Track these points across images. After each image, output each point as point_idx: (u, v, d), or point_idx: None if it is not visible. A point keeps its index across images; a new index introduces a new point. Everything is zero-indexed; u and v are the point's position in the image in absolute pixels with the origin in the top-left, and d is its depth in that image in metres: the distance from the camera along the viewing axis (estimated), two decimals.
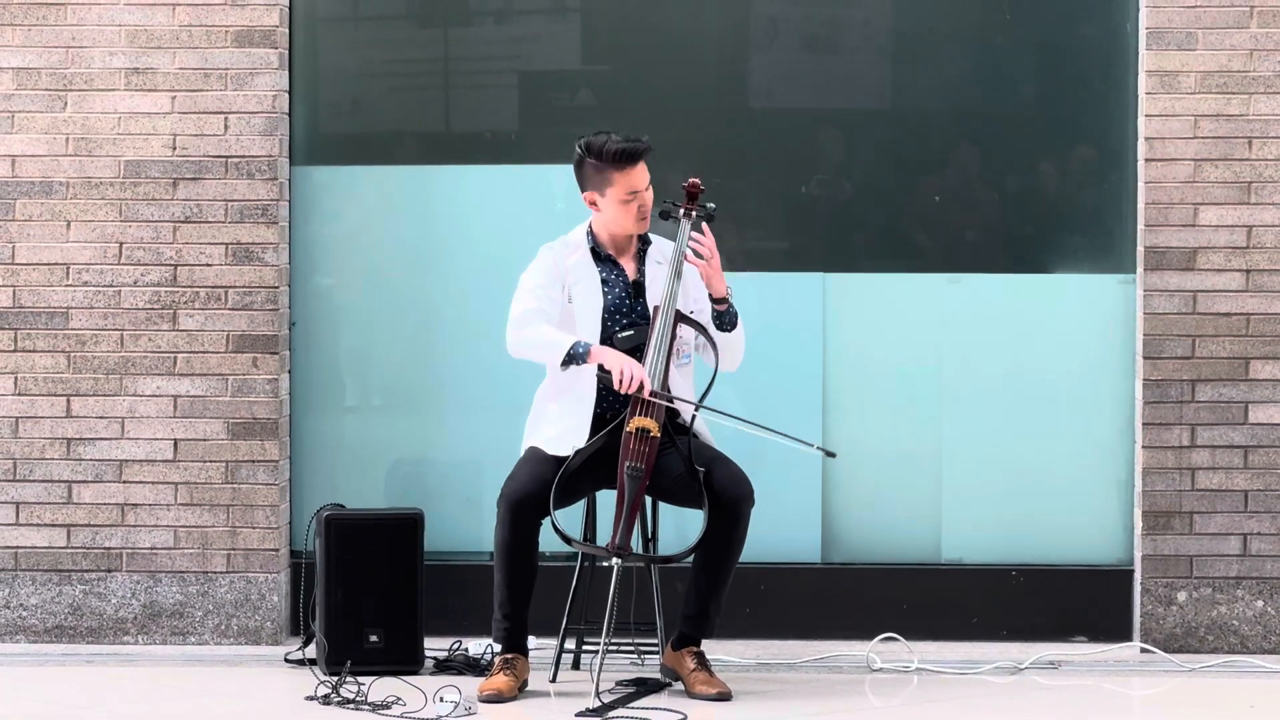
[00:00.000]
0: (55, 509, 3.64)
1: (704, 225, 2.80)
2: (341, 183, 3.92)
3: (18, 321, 3.56)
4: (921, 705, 2.96)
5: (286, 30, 3.67)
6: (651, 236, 2.89)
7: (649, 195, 2.71)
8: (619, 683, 2.78)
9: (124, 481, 3.68)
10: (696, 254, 2.66)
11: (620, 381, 2.49)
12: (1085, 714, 2.92)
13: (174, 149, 3.53)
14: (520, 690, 2.70)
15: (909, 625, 3.40)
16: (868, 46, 4.01)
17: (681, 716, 2.47)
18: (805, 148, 4.02)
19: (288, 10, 3.68)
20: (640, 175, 2.65)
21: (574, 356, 2.56)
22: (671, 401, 2.66)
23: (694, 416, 2.82)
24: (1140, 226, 3.56)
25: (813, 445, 3.02)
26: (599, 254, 2.81)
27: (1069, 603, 3.70)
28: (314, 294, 3.92)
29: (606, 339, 2.75)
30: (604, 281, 2.81)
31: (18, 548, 3.63)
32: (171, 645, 3.71)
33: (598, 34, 4.07)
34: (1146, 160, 3.53)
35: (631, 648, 3.03)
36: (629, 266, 2.85)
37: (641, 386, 2.54)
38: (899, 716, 2.89)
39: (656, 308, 2.72)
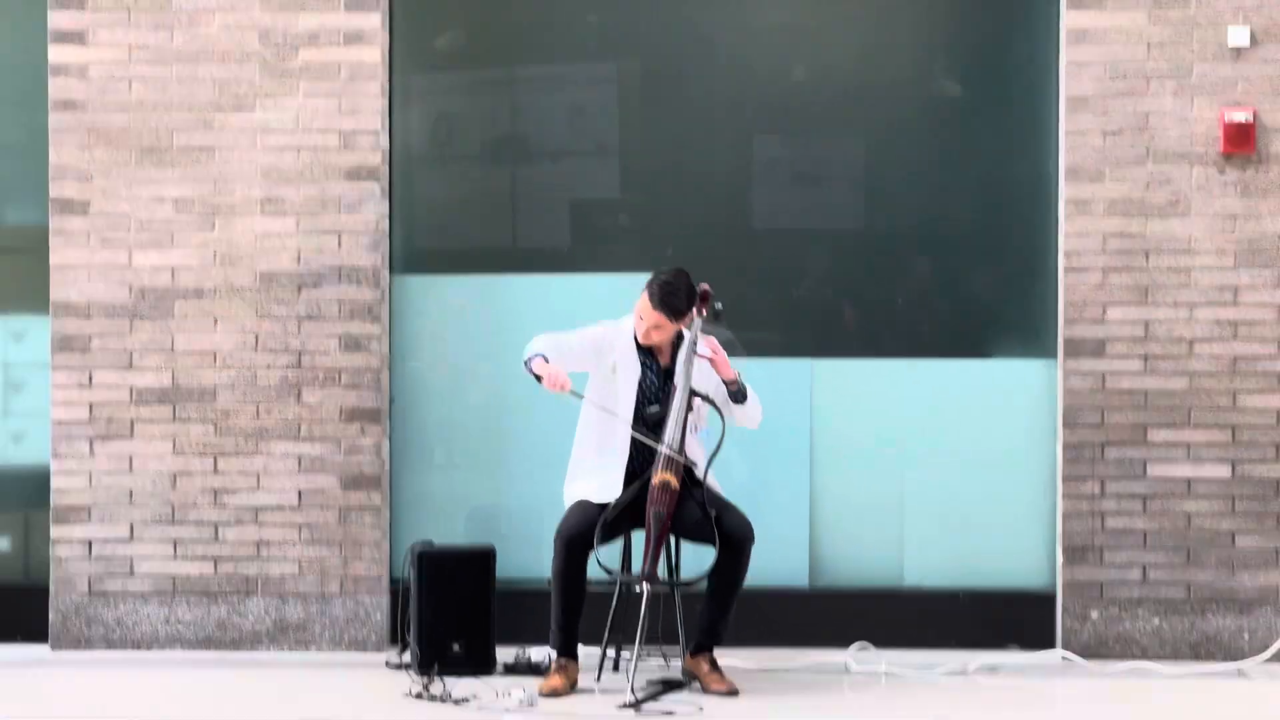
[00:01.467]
0: (205, 545, 4.14)
1: (709, 330, 3.34)
2: (431, 287, 4.50)
3: (176, 397, 4.09)
4: (889, 701, 3.45)
5: (387, 168, 4.22)
6: (684, 331, 3.28)
7: (656, 335, 3.18)
8: (649, 681, 3.12)
9: (259, 523, 4.17)
10: (700, 353, 3.18)
11: (547, 382, 3.04)
12: (1019, 707, 3.46)
13: (299, 261, 4.09)
14: (572, 688, 3.12)
15: (878, 636, 3.84)
16: (845, 180, 4.60)
17: (699, 708, 2.91)
18: (796, 260, 4.58)
19: (388, 152, 4.20)
20: (656, 316, 3.11)
21: (529, 360, 3.09)
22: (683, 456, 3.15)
23: (706, 472, 3.26)
24: (1060, 322, 4.05)
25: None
26: (638, 343, 3.29)
27: (1005, 618, 4.19)
28: (409, 376, 4.47)
29: (639, 410, 3.26)
30: (643, 364, 3.29)
31: (175, 575, 4.13)
32: (296, 653, 4.23)
33: (632, 171, 4.60)
34: (1065, 269, 4.04)
35: (659, 654, 3.46)
36: (665, 355, 3.33)
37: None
38: (872, 710, 3.35)
39: (675, 388, 3.23)
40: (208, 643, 4.18)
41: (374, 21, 4.33)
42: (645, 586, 3.13)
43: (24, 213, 4.90)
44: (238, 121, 4.28)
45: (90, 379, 4.32)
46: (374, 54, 4.31)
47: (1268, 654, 3.87)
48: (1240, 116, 3.96)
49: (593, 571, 3.12)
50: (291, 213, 4.23)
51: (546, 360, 3.09)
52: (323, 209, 4.19)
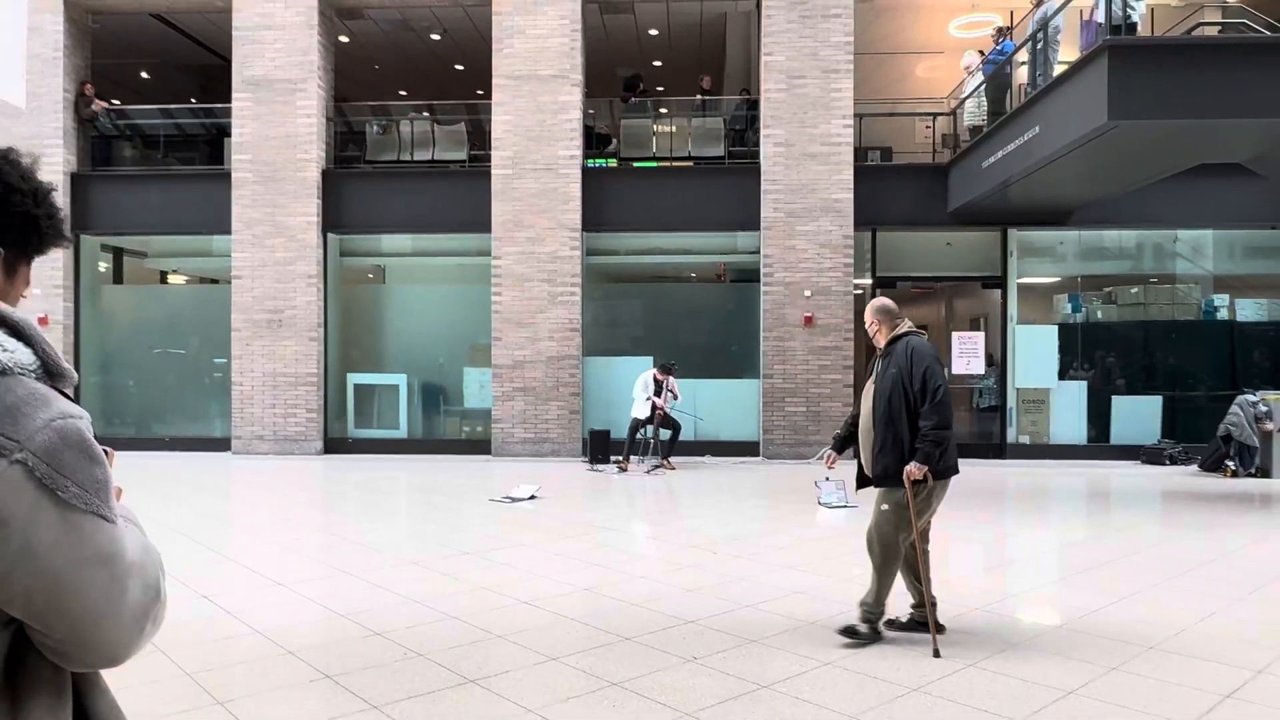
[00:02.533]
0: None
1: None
2: None
3: None
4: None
5: None
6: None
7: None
8: (652, 467, 10.92)
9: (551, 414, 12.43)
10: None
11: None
12: None
13: None
14: (626, 470, 11.45)
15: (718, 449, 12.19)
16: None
17: (669, 472, 11.25)
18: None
19: None
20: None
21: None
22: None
23: (665, 412, 11.49)
24: None
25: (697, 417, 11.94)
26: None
27: None
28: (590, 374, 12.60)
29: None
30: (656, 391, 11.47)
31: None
32: (542, 456, 12.30)
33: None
34: None
35: (655, 460, 11.39)
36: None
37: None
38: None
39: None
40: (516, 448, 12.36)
41: None
42: (653, 440, 11.38)
43: None
44: None
45: None
46: None
47: None
48: None
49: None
50: None
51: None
52: None
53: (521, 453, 11.95)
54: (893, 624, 4.33)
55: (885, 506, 4.24)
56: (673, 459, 11.12)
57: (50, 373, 0.94)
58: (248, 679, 3.71)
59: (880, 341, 4.40)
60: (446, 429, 12.86)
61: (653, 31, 14.24)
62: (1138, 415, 12.08)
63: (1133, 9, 7.73)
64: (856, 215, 11.83)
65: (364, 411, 12.75)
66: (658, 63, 15.41)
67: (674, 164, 12.64)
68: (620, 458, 11.04)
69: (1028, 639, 4.27)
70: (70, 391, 0.96)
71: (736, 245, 12.74)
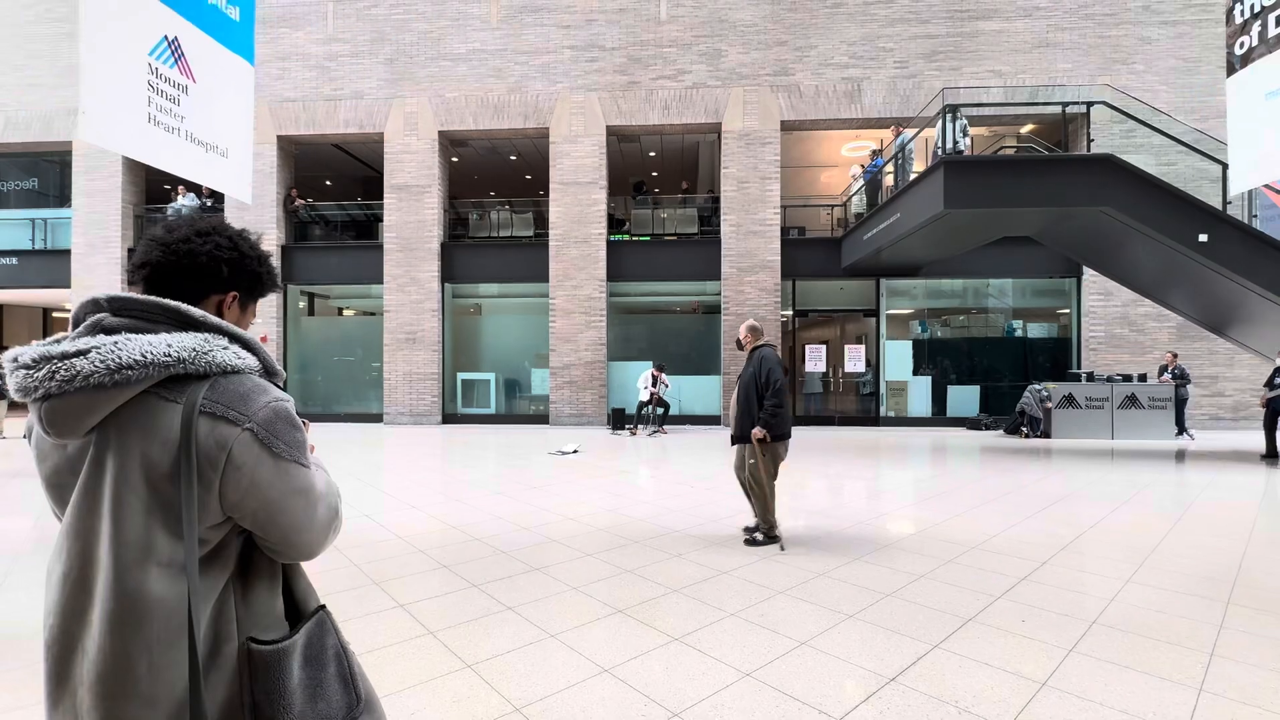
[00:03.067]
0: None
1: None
2: None
3: None
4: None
5: None
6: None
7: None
8: (651, 432, 11.47)
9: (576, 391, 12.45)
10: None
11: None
12: None
13: None
14: (635, 435, 11.44)
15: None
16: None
17: (663, 436, 11.21)
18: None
19: None
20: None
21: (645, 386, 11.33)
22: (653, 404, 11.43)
23: (660, 396, 11.57)
24: None
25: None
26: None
27: None
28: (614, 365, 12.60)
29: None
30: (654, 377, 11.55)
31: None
32: (581, 425, 12.40)
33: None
34: None
35: (653, 426, 11.61)
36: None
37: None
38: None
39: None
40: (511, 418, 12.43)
41: None
42: (652, 414, 11.40)
43: None
44: None
45: None
46: None
47: None
48: None
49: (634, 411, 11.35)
50: None
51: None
52: None
53: (568, 423, 11.91)
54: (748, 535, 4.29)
55: (751, 460, 4.22)
56: (665, 427, 11.07)
57: (268, 371, 0.97)
58: (393, 568, 3.74)
59: (748, 348, 4.42)
60: (520, 407, 12.86)
61: (652, 153, 14.25)
62: (964, 398, 12.02)
63: (960, 142, 7.75)
64: (783, 270, 11.80)
65: (467, 396, 12.76)
66: (655, 173, 15.41)
67: (665, 238, 12.64)
68: (631, 426, 10.99)
69: (893, 542, 4.28)
70: (280, 384, 0.99)
71: (705, 290, 12.71)
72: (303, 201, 13.00)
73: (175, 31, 3.79)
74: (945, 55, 11.59)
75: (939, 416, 11.91)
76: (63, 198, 13.16)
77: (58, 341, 0.81)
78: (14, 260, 13.01)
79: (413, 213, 12.24)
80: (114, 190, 12.54)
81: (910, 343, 12.22)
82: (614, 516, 4.96)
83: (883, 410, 11.98)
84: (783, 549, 4.04)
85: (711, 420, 11.98)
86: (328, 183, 15.37)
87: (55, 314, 17.37)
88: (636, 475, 6.96)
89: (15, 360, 0.80)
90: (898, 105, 11.54)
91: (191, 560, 0.82)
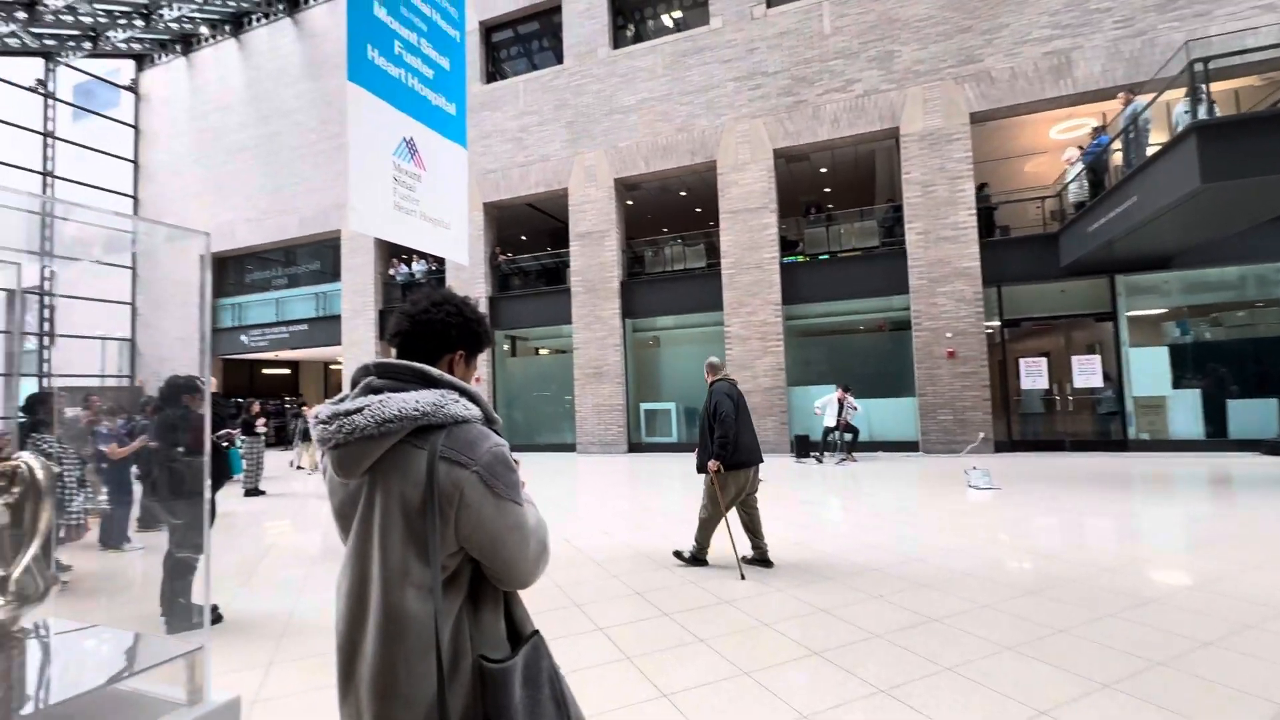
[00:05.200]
0: None
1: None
2: None
3: None
4: None
5: None
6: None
7: None
8: (839, 459, 10.78)
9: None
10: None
11: None
12: None
13: None
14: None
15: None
16: None
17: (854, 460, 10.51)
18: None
19: None
20: None
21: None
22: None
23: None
24: None
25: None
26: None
27: None
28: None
29: None
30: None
31: None
32: (768, 455, 12.03)
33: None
34: None
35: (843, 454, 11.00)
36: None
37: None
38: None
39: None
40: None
41: None
42: (839, 440, 10.77)
43: None
44: None
45: None
46: None
47: None
48: None
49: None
50: None
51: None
52: None
53: None
54: (752, 560, 4.33)
55: (704, 489, 4.36)
56: (855, 454, 10.39)
57: (487, 419, 1.11)
58: (590, 592, 3.97)
59: (709, 383, 4.50)
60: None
61: (823, 170, 13.78)
62: (1254, 415, 9.48)
63: (1208, 105, 6.34)
64: (984, 275, 10.52)
65: (650, 425, 13.18)
66: (827, 189, 14.84)
67: (842, 255, 12.04)
68: (817, 454, 10.49)
69: (1161, 596, 3.48)
70: (497, 429, 1.12)
71: (891, 305, 11.78)
72: (505, 257, 14.78)
73: (411, 133, 4.62)
74: (1186, 1, 9.62)
75: (1216, 438, 9.53)
76: (335, 274, 16.54)
77: (341, 401, 1.03)
78: (305, 326, 16.61)
79: (594, 256, 13.21)
80: (368, 265, 15.46)
81: (1166, 349, 10.02)
82: (801, 550, 4.75)
83: (1131, 432, 9.92)
84: (743, 577, 4.05)
85: (907, 446, 10.95)
86: (523, 238, 17.26)
87: (331, 366, 21.69)
88: (825, 506, 6.60)
89: (317, 417, 1.02)
90: (1123, 71, 9.79)
91: (437, 583, 0.97)
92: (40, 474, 0.70)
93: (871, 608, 3.43)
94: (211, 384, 4.21)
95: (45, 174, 16.63)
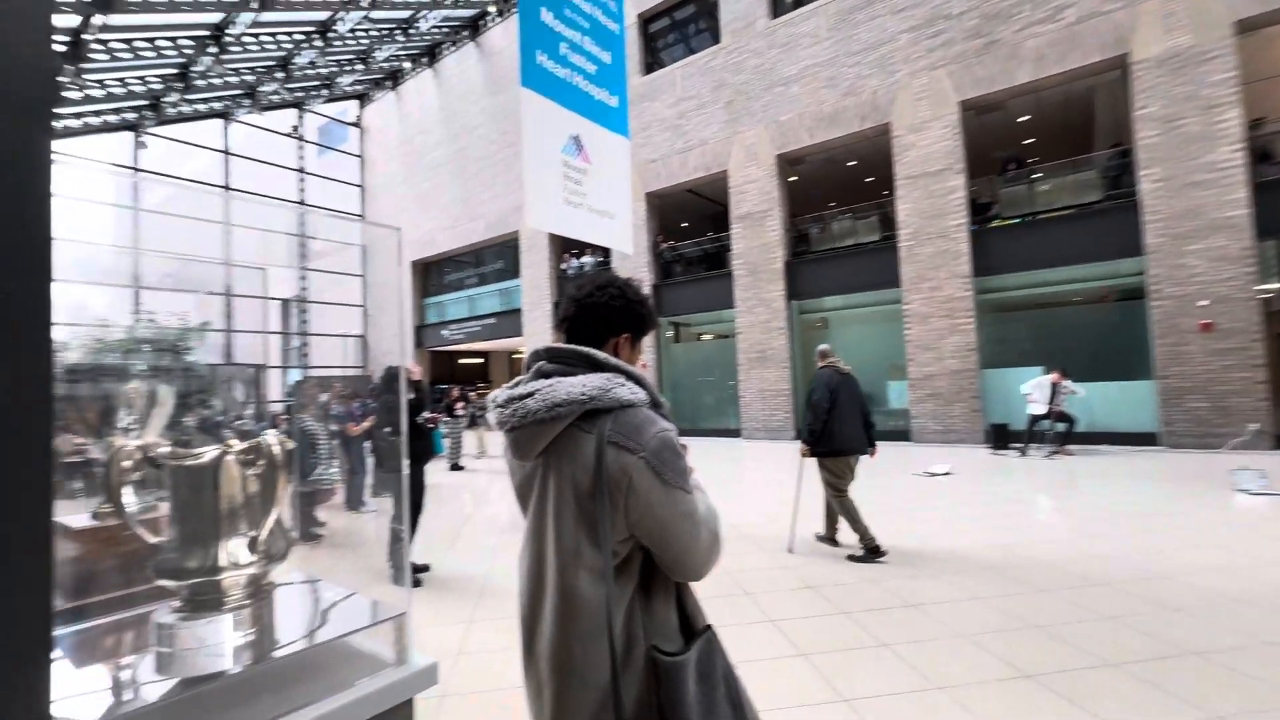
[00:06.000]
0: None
1: None
2: None
3: None
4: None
5: None
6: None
7: None
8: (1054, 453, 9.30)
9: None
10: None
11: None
12: None
13: None
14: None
15: None
16: None
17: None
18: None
19: None
20: None
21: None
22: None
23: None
24: None
25: None
26: None
27: None
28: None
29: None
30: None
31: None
32: (950, 443, 10.89)
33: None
34: None
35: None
36: None
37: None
38: None
39: None
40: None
41: None
42: (1050, 430, 9.33)
43: None
44: None
45: None
46: None
47: None
48: None
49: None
50: None
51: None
52: None
53: (934, 440, 10.66)
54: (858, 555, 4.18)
55: (821, 482, 4.42)
56: (1070, 446, 8.92)
57: (655, 403, 1.08)
58: (761, 581, 3.87)
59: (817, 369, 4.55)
60: (876, 423, 12.01)
61: (1023, 118, 11.92)
62: None
63: None
64: (1258, 227, 8.32)
65: None
66: (1030, 140, 12.82)
67: (1049, 215, 10.32)
68: (1020, 445, 9.19)
69: None
70: (663, 413, 1.09)
71: (1118, 271, 9.86)
72: (666, 244, 15.02)
73: (578, 129, 4.83)
74: None
75: None
76: (515, 271, 18.14)
77: (516, 385, 1.06)
78: (493, 320, 18.48)
79: (756, 237, 12.87)
80: (543, 261, 16.70)
81: None
82: (1004, 554, 4.17)
83: None
84: (790, 550, 4.21)
85: (1140, 439, 9.15)
86: (684, 224, 17.36)
87: (514, 355, 23.91)
88: (1033, 506, 5.75)
89: (494, 401, 1.07)
90: None
91: (609, 568, 0.96)
92: (277, 449, 0.81)
93: (1100, 629, 2.89)
94: (416, 371, 4.81)
95: (299, 203, 20.40)
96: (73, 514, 1.16)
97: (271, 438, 0.82)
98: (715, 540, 1.03)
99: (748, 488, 7.49)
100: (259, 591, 0.82)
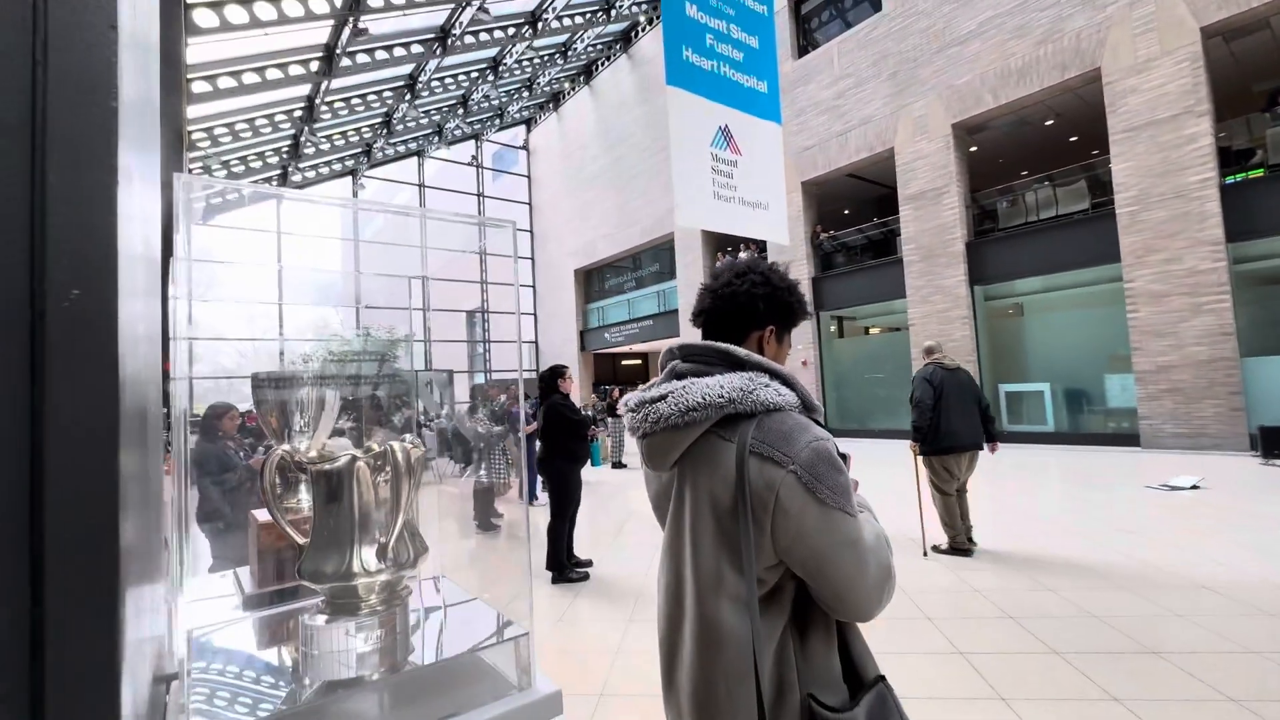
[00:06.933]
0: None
1: None
2: None
3: None
4: None
5: None
6: None
7: None
8: None
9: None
10: None
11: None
12: None
13: None
14: None
15: None
16: None
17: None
18: None
19: None
20: None
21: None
22: None
23: None
24: None
25: None
26: None
27: None
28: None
29: None
30: None
31: None
32: (1198, 450, 8.80)
33: None
34: None
35: None
36: None
37: None
38: None
39: None
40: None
41: None
42: None
43: None
44: None
45: None
46: None
47: None
48: None
49: None
50: None
51: None
52: None
53: (1173, 445, 8.75)
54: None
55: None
56: None
57: (807, 406, 0.92)
58: (943, 603, 3.40)
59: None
60: (1090, 424, 10.24)
61: None
62: None
63: None
64: None
65: (1014, 411, 11.06)
66: None
67: None
68: None
69: None
70: (820, 419, 0.93)
71: None
72: (826, 234, 14.21)
73: (726, 120, 4.69)
74: None
75: None
76: (671, 273, 18.41)
77: (650, 388, 0.96)
78: (650, 322, 18.93)
79: (930, 219, 11.66)
80: (698, 261, 16.72)
81: None
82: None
83: None
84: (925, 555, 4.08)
85: None
86: (845, 212, 16.32)
87: None
88: None
89: (627, 404, 0.98)
90: None
91: (752, 597, 0.82)
92: (400, 457, 0.80)
93: None
94: (568, 385, 4.93)
95: (480, 224, 22.74)
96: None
97: (397, 445, 0.82)
98: (886, 574, 0.84)
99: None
100: (392, 598, 0.82)
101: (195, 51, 9.68)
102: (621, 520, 6.15)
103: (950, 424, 4.23)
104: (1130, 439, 9.37)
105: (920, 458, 4.44)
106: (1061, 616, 3.12)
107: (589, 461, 5.14)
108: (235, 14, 9.38)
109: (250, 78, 11.12)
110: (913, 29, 11.93)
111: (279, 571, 1.04)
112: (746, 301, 0.98)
